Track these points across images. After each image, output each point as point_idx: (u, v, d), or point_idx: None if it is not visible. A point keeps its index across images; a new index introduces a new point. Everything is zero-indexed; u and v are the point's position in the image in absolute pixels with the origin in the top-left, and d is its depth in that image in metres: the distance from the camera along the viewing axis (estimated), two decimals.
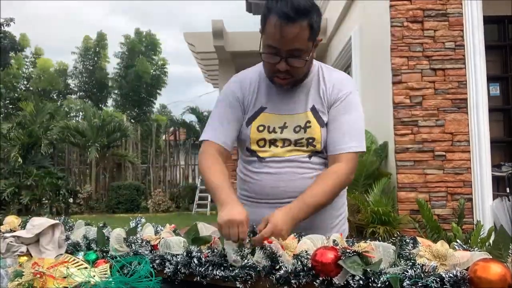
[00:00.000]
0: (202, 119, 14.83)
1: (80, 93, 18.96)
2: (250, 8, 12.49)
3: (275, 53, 1.22)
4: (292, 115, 1.32)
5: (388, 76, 3.65)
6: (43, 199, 9.47)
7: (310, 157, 1.31)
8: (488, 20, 3.76)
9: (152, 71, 19.45)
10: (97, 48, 18.55)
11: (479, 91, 3.48)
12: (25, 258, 1.17)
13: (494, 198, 3.42)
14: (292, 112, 1.32)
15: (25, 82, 17.98)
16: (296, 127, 1.31)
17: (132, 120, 18.08)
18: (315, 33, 1.23)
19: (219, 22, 6.46)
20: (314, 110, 1.31)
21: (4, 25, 13.55)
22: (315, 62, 1.40)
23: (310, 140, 1.30)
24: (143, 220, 1.30)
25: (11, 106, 16.21)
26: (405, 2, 3.60)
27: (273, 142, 1.32)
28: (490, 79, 3.96)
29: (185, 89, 48.69)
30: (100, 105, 18.18)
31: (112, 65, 19.70)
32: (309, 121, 1.30)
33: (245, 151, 1.38)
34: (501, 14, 4.18)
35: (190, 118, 15.41)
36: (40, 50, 18.02)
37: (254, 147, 1.34)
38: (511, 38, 4.31)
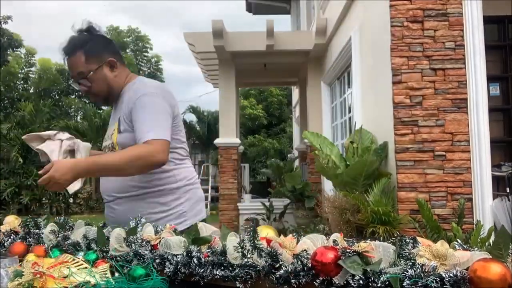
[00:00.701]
0: (203, 118, 14.81)
1: (78, 92, 18.88)
2: (250, 8, 12.49)
3: (73, 80, 1.64)
4: (112, 125, 1.69)
5: (388, 76, 3.65)
6: (43, 199, 9.47)
7: None
8: (488, 20, 3.76)
9: (146, 69, 19.34)
10: None
11: (479, 91, 3.48)
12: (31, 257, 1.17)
13: (494, 198, 3.42)
14: (112, 122, 1.70)
15: (22, 82, 17.92)
16: (110, 135, 1.68)
17: None
18: (92, 57, 1.60)
19: (219, 22, 6.46)
20: (119, 120, 1.63)
21: (2, 22, 13.49)
22: (136, 78, 1.72)
23: (112, 145, 1.65)
24: (143, 220, 1.31)
25: (9, 106, 16.18)
26: (405, 2, 3.60)
27: (104, 149, 1.72)
28: (490, 79, 3.96)
29: (185, 89, 48.68)
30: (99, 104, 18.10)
31: None
32: (114, 129, 1.65)
33: None
34: (501, 14, 4.18)
35: (190, 118, 15.42)
36: (33, 50, 17.94)
37: None
38: (511, 38, 4.31)
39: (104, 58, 1.62)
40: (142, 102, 1.54)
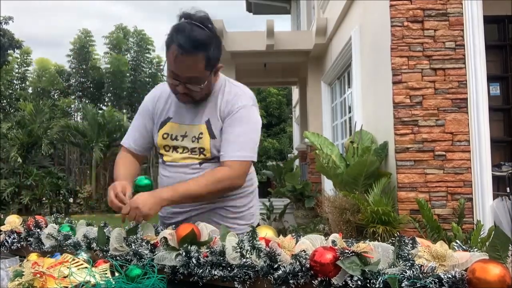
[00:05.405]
0: None
1: (78, 93, 18.84)
2: (250, 8, 12.48)
3: (175, 77, 1.39)
4: (192, 125, 1.50)
5: (388, 76, 3.65)
6: (43, 199, 9.47)
7: (201, 164, 1.48)
8: (488, 20, 3.76)
9: (147, 69, 19.38)
10: (87, 47, 18.33)
11: (479, 91, 3.48)
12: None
13: (494, 198, 3.42)
14: (192, 123, 1.50)
15: (19, 82, 17.94)
16: (193, 137, 1.49)
17: (130, 119, 17.97)
18: (211, 64, 1.39)
19: (219, 22, 6.45)
20: (208, 123, 1.48)
21: (3, 23, 13.50)
22: (221, 77, 1.55)
23: (201, 150, 1.48)
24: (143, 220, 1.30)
25: (7, 105, 16.18)
26: (405, 1, 3.60)
27: (175, 148, 1.52)
28: (490, 79, 3.96)
29: None
30: (99, 104, 18.05)
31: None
32: (201, 133, 1.48)
33: (159, 155, 1.60)
34: (501, 14, 4.17)
35: None
36: (28, 50, 17.93)
37: (162, 151, 1.56)
38: (511, 38, 4.31)
39: (217, 65, 1.44)
40: (239, 115, 1.46)
